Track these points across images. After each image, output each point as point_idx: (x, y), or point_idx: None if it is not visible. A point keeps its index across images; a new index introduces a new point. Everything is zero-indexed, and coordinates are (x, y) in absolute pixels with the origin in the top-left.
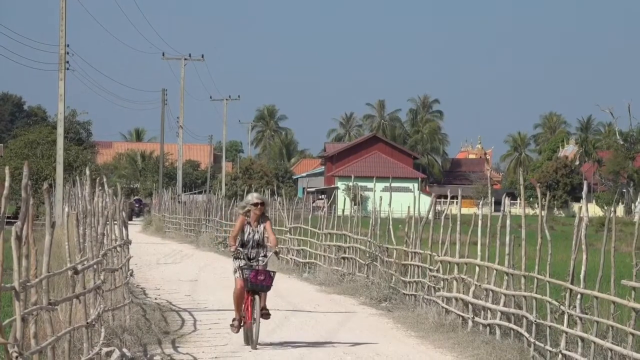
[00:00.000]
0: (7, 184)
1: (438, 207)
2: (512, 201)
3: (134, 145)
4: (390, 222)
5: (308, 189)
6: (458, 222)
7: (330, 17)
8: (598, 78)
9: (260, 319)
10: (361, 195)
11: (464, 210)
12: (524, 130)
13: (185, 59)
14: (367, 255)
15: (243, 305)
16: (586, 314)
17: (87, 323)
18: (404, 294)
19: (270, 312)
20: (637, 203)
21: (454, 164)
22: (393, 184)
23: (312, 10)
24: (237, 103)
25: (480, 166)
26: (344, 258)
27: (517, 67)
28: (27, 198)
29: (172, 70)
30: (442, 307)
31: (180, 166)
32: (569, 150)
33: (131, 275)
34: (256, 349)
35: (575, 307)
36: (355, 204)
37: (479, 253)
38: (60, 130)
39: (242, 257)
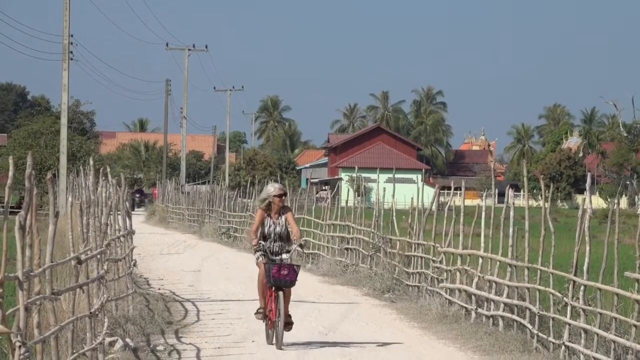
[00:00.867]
0: (10, 173)
1: (441, 199)
2: (515, 193)
3: (137, 135)
4: (394, 213)
5: (311, 180)
6: (461, 214)
7: (334, 8)
8: (602, 70)
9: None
10: (364, 186)
11: (468, 202)
12: (528, 122)
13: (189, 50)
14: (371, 246)
15: (267, 297)
16: (589, 305)
17: (91, 313)
18: (407, 285)
19: (292, 320)
20: None
21: (458, 155)
22: (396, 175)
23: (317, 1)
24: (241, 94)
25: (483, 158)
26: (347, 249)
27: (521, 59)
28: (31, 188)
29: (175, 61)
30: (446, 298)
31: (184, 157)
32: (573, 142)
33: (134, 265)
34: (281, 349)
35: (578, 298)
36: (358, 195)
37: (482, 244)
38: (63, 120)
39: (264, 251)
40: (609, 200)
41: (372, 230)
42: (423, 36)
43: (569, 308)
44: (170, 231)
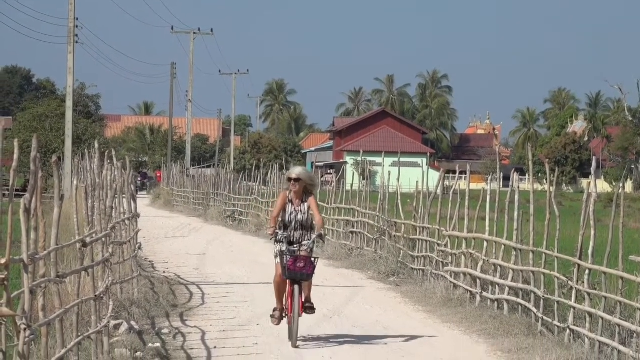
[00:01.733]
0: (15, 156)
1: (446, 182)
2: (520, 177)
3: (142, 118)
4: (399, 197)
5: (317, 164)
6: (466, 197)
7: None
8: (608, 54)
9: (304, 313)
10: (370, 169)
11: (473, 186)
12: (533, 105)
13: (194, 33)
14: (376, 229)
15: (285, 296)
16: (594, 289)
17: (96, 296)
18: (412, 268)
19: (313, 305)
20: None
21: (463, 139)
22: (401, 159)
23: None
24: (246, 77)
25: (489, 141)
26: (352, 232)
27: (526, 43)
28: (36, 171)
29: (181, 44)
30: (450, 282)
31: (189, 140)
32: (578, 126)
33: (139, 248)
34: (297, 347)
35: (583, 282)
36: (363, 179)
37: (487, 228)
38: (69, 103)
39: (282, 240)
40: (614, 184)
41: (377, 214)
42: (428, 20)
43: (573, 292)
44: (175, 214)
